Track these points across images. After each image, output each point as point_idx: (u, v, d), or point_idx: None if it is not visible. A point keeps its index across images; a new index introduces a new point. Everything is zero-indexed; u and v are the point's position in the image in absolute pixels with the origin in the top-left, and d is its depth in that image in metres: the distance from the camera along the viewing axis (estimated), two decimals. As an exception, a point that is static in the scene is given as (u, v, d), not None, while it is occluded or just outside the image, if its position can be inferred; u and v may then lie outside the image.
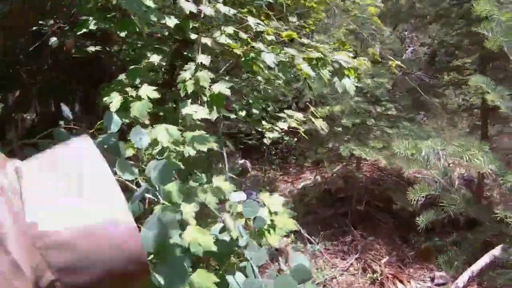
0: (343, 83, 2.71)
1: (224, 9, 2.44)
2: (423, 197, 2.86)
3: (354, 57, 4.64)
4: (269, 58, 2.42)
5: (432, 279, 6.15)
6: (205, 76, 2.19)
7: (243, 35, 2.54)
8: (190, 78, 2.22)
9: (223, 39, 2.40)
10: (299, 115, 3.34)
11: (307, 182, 8.99)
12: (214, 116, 2.22)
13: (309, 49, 2.83)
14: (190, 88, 2.17)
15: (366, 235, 7.34)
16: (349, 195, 7.88)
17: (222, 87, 2.22)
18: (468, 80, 7.27)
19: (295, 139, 9.39)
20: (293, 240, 6.90)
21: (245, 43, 2.55)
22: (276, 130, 3.40)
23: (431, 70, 7.28)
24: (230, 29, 2.47)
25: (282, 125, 3.33)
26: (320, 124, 3.23)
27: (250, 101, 3.68)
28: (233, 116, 3.71)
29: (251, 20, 2.53)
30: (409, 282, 6.08)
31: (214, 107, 2.22)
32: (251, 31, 2.81)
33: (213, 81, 2.28)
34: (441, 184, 2.95)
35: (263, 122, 3.51)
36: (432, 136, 6.46)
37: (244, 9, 2.89)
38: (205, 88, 2.19)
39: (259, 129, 3.46)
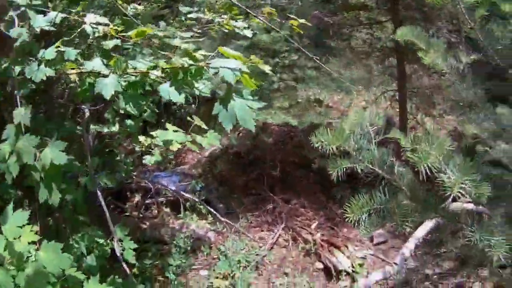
0: (232, 111, 1.76)
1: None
2: (365, 212, 2.18)
3: (246, 17, 3.78)
4: (108, 86, 1.52)
5: (371, 239, 5.73)
6: (27, 146, 1.28)
7: (69, 52, 1.56)
8: (11, 153, 1.30)
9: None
10: (180, 137, 2.48)
11: (214, 148, 8.17)
12: (56, 200, 1.33)
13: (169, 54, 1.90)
14: (15, 169, 1.27)
15: (287, 198, 6.77)
16: (261, 155, 7.19)
17: (55, 154, 1.32)
18: (372, 18, 6.80)
19: (194, 105, 8.47)
20: (212, 222, 6.19)
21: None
22: (158, 146, 2.55)
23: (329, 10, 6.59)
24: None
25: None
26: (208, 143, 2.42)
27: (122, 110, 2.75)
28: (105, 130, 2.80)
29: (88, 20, 1.57)
30: (346, 246, 5.59)
31: (53, 185, 1.33)
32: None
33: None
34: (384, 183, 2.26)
35: (141, 138, 2.63)
36: (345, 86, 5.87)
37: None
38: (31, 164, 1.28)
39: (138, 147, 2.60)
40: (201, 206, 6.39)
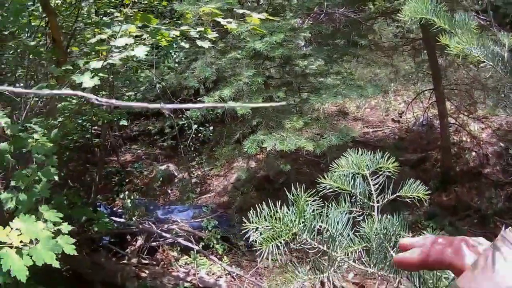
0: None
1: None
2: None
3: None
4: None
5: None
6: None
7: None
8: None
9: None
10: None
11: (240, 173, 7.24)
12: None
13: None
14: None
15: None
16: (290, 179, 6.15)
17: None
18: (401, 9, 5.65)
19: (211, 127, 7.70)
20: (229, 264, 5.25)
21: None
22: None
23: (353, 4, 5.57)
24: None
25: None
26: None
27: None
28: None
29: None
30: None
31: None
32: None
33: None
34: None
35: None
36: (366, 91, 4.76)
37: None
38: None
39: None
40: (217, 246, 5.51)
